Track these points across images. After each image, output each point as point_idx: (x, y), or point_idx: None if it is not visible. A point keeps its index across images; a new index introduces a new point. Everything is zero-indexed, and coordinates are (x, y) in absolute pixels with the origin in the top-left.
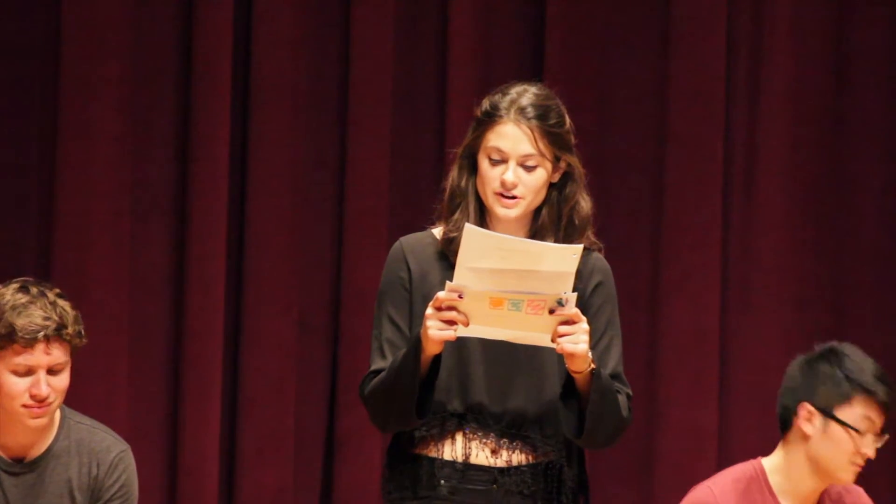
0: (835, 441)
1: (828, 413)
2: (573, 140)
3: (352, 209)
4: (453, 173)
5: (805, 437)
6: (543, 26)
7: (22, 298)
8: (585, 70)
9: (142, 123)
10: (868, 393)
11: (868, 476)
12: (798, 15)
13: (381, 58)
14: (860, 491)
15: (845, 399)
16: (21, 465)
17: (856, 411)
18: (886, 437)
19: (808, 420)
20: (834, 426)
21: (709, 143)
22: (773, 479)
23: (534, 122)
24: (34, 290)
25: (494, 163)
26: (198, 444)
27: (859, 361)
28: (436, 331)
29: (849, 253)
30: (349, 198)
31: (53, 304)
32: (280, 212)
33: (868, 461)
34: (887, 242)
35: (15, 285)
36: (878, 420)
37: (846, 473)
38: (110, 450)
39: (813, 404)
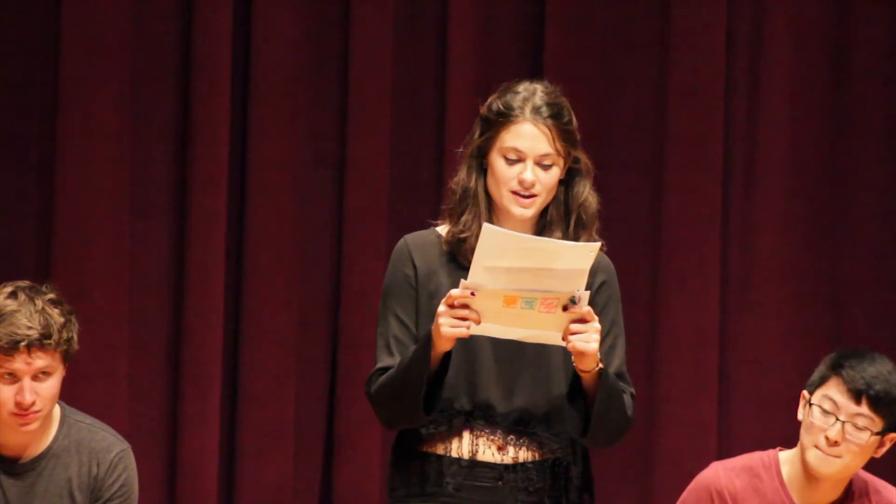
0: (807, 422)
1: (809, 394)
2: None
3: (351, 207)
4: (462, 173)
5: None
6: (543, 25)
7: (10, 305)
8: (585, 69)
9: (141, 121)
10: (841, 377)
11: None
12: (798, 13)
13: (381, 56)
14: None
15: (824, 381)
16: (20, 465)
17: (827, 392)
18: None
19: (801, 406)
20: (811, 408)
21: (709, 141)
22: (785, 470)
23: (550, 121)
24: (23, 296)
25: (511, 162)
26: (197, 443)
27: (868, 361)
28: (448, 328)
29: (848, 251)
30: (349, 196)
31: (41, 311)
32: (280, 210)
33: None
34: (886, 241)
35: (7, 290)
36: (849, 405)
37: (810, 455)
38: (110, 449)
39: (806, 389)
